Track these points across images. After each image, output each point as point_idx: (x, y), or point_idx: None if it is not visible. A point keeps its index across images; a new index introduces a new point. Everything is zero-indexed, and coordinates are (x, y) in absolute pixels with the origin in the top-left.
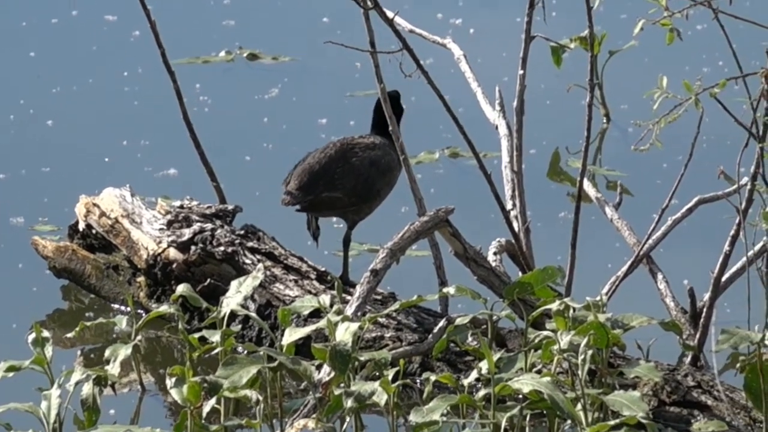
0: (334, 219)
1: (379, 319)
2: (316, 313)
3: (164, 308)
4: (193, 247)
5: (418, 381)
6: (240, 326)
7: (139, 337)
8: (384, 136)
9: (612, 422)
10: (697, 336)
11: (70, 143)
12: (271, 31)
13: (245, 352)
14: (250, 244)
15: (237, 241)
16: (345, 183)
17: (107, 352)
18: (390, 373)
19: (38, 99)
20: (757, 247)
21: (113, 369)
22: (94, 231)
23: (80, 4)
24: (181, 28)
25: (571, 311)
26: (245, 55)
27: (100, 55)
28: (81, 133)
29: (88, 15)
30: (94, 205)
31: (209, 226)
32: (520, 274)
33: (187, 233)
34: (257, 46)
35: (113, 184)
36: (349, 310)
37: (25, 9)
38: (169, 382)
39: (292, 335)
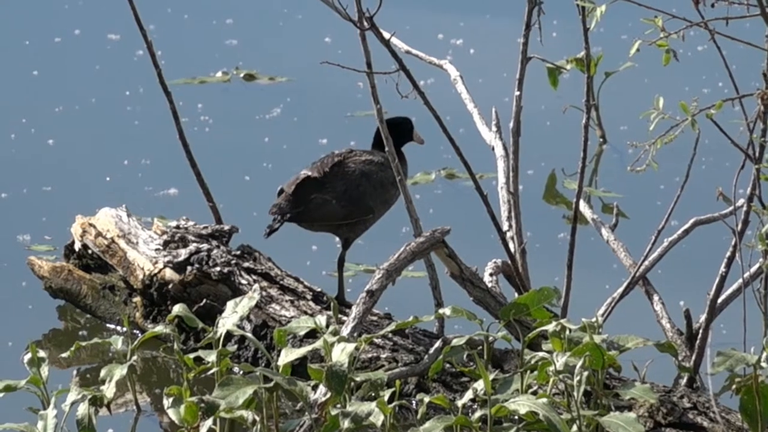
0: (337, 239)
1: (375, 340)
2: (312, 334)
3: (160, 328)
4: (189, 268)
5: (414, 402)
6: (236, 347)
7: (134, 358)
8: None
9: None
10: (693, 357)
11: (72, 162)
12: (273, 51)
13: (241, 372)
14: (246, 264)
15: (233, 262)
16: (336, 186)
17: (103, 372)
18: (386, 394)
19: (40, 118)
20: (753, 268)
21: (109, 389)
22: (90, 251)
23: (83, 24)
24: (183, 47)
25: (567, 332)
26: (242, 75)
27: (102, 75)
28: (82, 153)
29: (91, 34)
30: (90, 225)
31: (205, 246)
32: (516, 295)
33: (183, 254)
34: (259, 65)
35: (114, 203)
36: (345, 331)
37: (28, 28)
38: (166, 402)
39: (288, 356)
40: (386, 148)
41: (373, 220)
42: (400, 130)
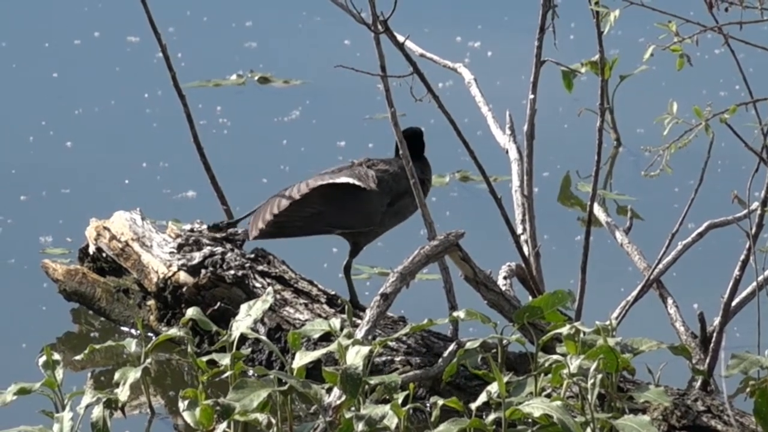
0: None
1: (389, 343)
2: (327, 337)
3: (174, 331)
4: (203, 271)
5: (428, 405)
6: (250, 350)
7: (149, 360)
8: (414, 160)
9: None
10: (707, 360)
11: (90, 165)
12: (293, 53)
13: (255, 375)
14: (260, 267)
15: (247, 265)
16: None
17: (117, 375)
18: (400, 397)
19: (59, 120)
20: None
21: (123, 392)
22: (104, 254)
23: (103, 26)
24: (202, 50)
25: (581, 335)
26: (256, 78)
27: (121, 77)
28: (101, 155)
29: (110, 36)
30: (105, 228)
31: (219, 249)
32: (530, 298)
33: (197, 257)
34: (278, 68)
35: (132, 206)
36: (359, 334)
37: (48, 30)
38: (182, 404)
39: (302, 359)
40: (400, 152)
41: (383, 229)
42: (417, 140)
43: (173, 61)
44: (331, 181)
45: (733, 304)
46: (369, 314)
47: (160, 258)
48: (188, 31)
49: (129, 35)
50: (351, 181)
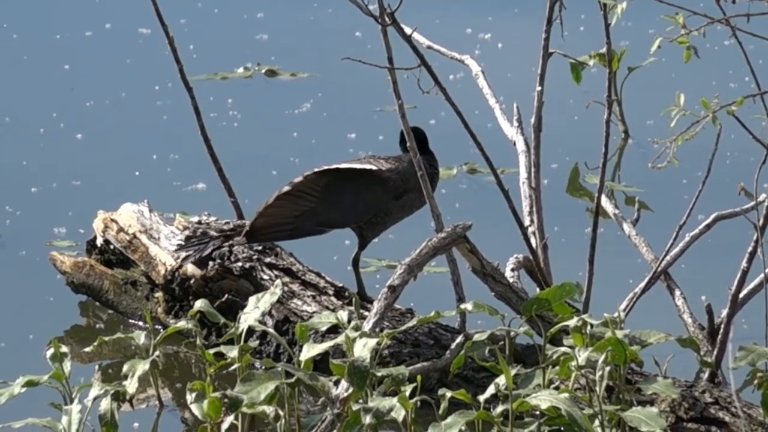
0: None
1: (397, 335)
2: (334, 329)
3: (182, 324)
4: (210, 263)
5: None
6: (257, 342)
7: (157, 353)
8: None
9: None
10: (715, 352)
11: (101, 157)
12: (304, 45)
13: (263, 367)
14: (267, 259)
15: (255, 257)
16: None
17: (125, 368)
18: (408, 389)
19: (71, 112)
20: None
21: (131, 384)
22: (112, 246)
23: (114, 18)
24: (214, 42)
25: (589, 327)
26: (263, 71)
27: (133, 69)
28: (111, 147)
29: (121, 28)
30: (112, 220)
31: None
32: (537, 290)
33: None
34: (289, 60)
35: (142, 197)
36: (367, 326)
37: (60, 22)
38: (190, 397)
39: (310, 351)
40: (407, 144)
41: (391, 221)
42: (418, 137)
43: (185, 54)
44: (336, 166)
45: (741, 295)
46: (377, 306)
47: (167, 250)
48: (200, 23)
49: (140, 27)
50: (363, 166)
